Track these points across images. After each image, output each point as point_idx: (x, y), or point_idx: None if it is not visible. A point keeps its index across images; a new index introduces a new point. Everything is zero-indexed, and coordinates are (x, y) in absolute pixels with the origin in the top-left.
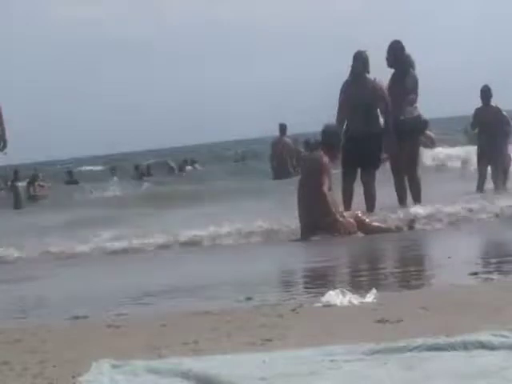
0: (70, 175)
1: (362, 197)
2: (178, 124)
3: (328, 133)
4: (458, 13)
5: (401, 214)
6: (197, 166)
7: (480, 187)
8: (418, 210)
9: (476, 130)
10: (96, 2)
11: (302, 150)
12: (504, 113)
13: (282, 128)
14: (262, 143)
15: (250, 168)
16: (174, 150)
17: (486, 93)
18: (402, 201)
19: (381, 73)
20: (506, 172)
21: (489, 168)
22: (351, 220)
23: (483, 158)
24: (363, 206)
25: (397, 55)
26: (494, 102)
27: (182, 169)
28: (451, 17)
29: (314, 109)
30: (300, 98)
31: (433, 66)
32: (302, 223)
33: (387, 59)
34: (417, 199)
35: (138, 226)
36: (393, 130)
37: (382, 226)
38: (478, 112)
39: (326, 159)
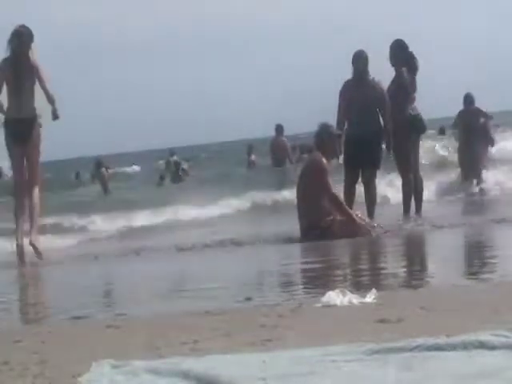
0: (77, 176)
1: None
2: (176, 124)
3: (317, 131)
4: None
5: (401, 215)
6: (185, 167)
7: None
8: (418, 211)
9: (456, 129)
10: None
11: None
12: (482, 114)
13: (279, 129)
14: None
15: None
16: (176, 150)
17: (467, 97)
18: (407, 210)
19: (381, 72)
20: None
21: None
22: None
23: (463, 158)
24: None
25: (399, 54)
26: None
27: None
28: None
29: (316, 110)
30: (302, 98)
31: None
32: (301, 223)
33: (390, 58)
34: (419, 197)
35: None
36: (392, 130)
37: (382, 227)
38: (460, 113)
39: (323, 160)
